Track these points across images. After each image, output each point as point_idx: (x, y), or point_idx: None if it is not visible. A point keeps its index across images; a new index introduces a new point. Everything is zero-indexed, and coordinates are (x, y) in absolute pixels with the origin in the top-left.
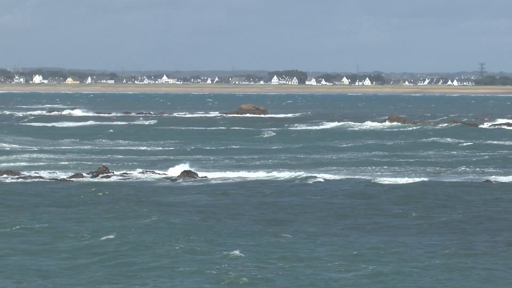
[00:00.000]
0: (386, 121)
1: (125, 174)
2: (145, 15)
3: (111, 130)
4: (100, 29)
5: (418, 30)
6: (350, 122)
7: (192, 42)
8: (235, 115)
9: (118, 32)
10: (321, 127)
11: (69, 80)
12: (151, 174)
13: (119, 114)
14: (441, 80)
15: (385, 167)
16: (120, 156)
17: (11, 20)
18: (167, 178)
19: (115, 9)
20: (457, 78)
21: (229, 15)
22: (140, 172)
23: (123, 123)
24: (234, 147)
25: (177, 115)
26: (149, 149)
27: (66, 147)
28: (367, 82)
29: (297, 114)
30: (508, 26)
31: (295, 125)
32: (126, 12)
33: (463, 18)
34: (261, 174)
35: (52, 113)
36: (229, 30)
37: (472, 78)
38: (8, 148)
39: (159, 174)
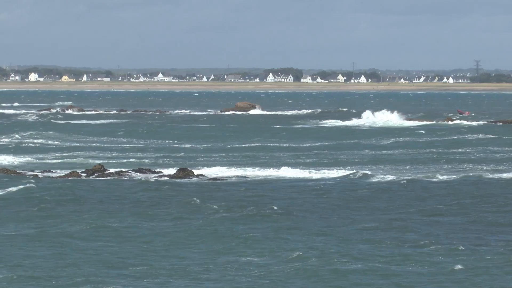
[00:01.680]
0: (396, 119)
1: (120, 173)
2: (141, 12)
3: (122, 130)
4: (95, 27)
5: (413, 28)
6: (368, 119)
7: (188, 40)
8: (231, 112)
9: (114, 30)
10: (335, 124)
11: (65, 78)
12: (147, 173)
13: (129, 112)
14: (436, 77)
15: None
16: (135, 154)
17: (7, 18)
18: (164, 176)
19: (111, 7)
20: (452, 75)
21: (224, 12)
22: (134, 171)
23: (135, 121)
24: (245, 145)
25: (179, 113)
26: (158, 147)
27: (83, 144)
28: (362, 79)
29: (300, 112)
30: (503, 23)
31: (306, 121)
32: (122, 10)
33: (459, 15)
34: (279, 172)
35: (73, 112)
36: (225, 28)
37: (467, 75)
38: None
39: (155, 172)
